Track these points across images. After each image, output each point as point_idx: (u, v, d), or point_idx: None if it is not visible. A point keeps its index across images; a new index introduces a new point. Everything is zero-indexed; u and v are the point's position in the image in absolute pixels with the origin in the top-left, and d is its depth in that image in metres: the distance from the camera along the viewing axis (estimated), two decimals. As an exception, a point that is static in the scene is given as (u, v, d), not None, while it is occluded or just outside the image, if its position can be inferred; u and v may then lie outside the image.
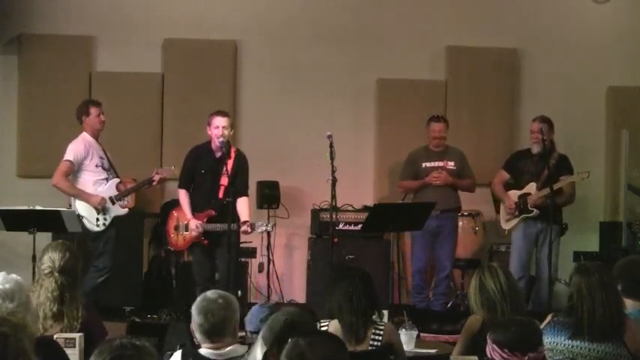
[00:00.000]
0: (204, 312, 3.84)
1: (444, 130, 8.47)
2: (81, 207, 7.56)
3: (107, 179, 7.69)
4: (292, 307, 3.87)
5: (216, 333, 3.84)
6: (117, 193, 7.68)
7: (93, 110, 7.72)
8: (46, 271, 4.64)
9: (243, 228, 7.23)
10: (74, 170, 7.61)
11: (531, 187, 8.05)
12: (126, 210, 7.72)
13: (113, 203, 7.64)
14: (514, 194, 8.14)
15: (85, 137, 7.69)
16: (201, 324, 3.84)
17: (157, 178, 7.78)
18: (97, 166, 7.66)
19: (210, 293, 3.94)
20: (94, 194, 7.59)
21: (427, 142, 8.55)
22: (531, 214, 8.00)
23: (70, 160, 7.58)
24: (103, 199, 7.58)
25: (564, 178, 7.98)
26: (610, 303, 4.22)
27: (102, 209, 7.57)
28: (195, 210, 7.40)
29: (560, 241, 8.05)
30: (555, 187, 7.73)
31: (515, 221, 8.12)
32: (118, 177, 7.78)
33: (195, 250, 7.46)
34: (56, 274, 4.60)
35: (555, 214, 7.78)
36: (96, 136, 7.75)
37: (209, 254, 7.41)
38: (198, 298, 3.93)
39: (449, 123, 8.56)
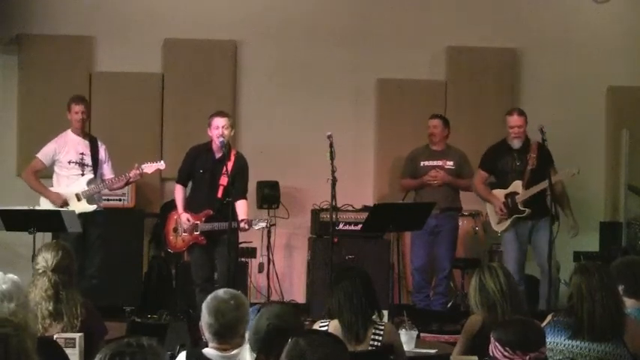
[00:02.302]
0: (215, 312, 3.77)
1: (439, 125, 8.45)
2: (44, 204, 7.55)
3: (82, 175, 7.66)
4: (274, 306, 3.81)
5: (225, 334, 3.78)
6: (86, 189, 7.63)
7: (73, 107, 7.73)
8: (40, 271, 4.64)
9: (241, 225, 7.23)
10: (45, 166, 7.72)
11: (517, 186, 7.87)
12: (94, 206, 7.61)
13: (79, 199, 7.57)
14: (500, 194, 7.98)
15: (65, 134, 7.76)
16: (210, 324, 3.78)
17: (133, 173, 7.57)
18: (69, 162, 7.66)
19: (222, 293, 3.86)
20: (53, 191, 7.59)
21: (428, 141, 8.56)
22: (523, 214, 7.85)
23: (37, 157, 7.74)
24: (61, 196, 7.53)
25: (554, 171, 7.80)
26: (610, 303, 4.21)
27: (62, 206, 7.48)
28: (194, 209, 7.40)
29: (552, 230, 7.92)
30: (555, 178, 7.56)
31: (507, 222, 7.95)
32: (95, 174, 7.68)
33: (194, 251, 7.45)
34: (49, 273, 4.60)
35: (545, 207, 7.66)
36: (78, 132, 7.75)
37: (208, 254, 7.40)
38: (209, 297, 3.85)
39: (449, 123, 8.54)
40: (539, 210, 7.71)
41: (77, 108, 7.73)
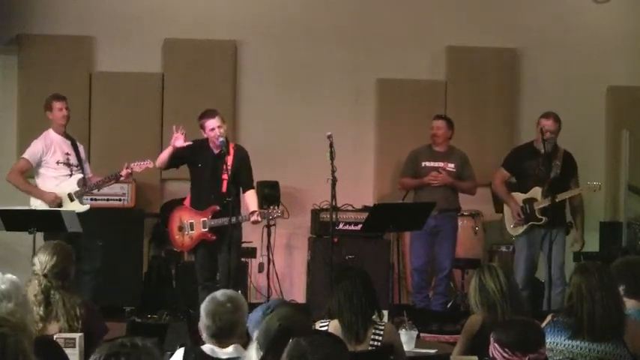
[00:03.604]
0: (212, 315, 3.85)
1: (443, 127, 8.43)
2: (36, 205, 7.48)
3: (71, 175, 7.61)
4: (286, 307, 3.83)
5: (222, 336, 3.86)
6: (78, 189, 7.60)
7: (55, 104, 7.65)
8: (34, 273, 4.65)
9: (254, 218, 7.23)
10: (32, 167, 7.62)
11: (536, 193, 7.86)
12: (87, 207, 7.59)
13: (72, 200, 7.54)
14: (519, 198, 7.94)
15: (48, 134, 7.66)
16: (208, 326, 3.86)
17: (124, 173, 7.54)
18: (57, 162, 7.60)
19: (220, 295, 3.92)
20: (47, 191, 7.51)
21: (430, 141, 8.55)
22: (540, 223, 7.82)
23: (25, 158, 7.64)
24: (57, 197, 7.49)
25: (574, 184, 7.90)
26: (610, 303, 4.21)
27: (57, 206, 7.43)
28: (199, 207, 7.39)
29: (565, 240, 7.99)
30: (562, 197, 7.69)
31: (523, 227, 7.92)
32: (83, 173, 7.68)
33: (199, 249, 7.43)
34: (41, 278, 4.60)
35: (560, 214, 7.74)
36: (60, 132, 7.69)
37: (211, 253, 7.39)
38: (207, 299, 3.92)
39: (453, 124, 8.52)
40: (555, 220, 7.71)
41: (59, 104, 7.63)
